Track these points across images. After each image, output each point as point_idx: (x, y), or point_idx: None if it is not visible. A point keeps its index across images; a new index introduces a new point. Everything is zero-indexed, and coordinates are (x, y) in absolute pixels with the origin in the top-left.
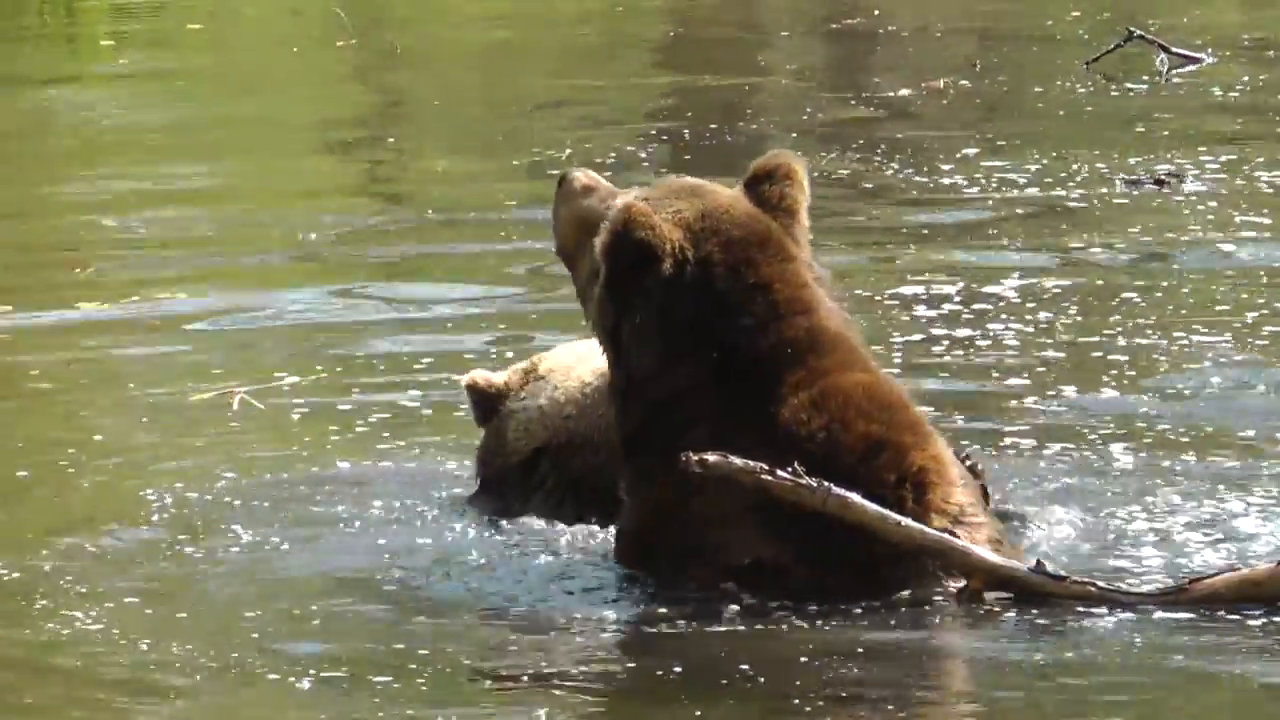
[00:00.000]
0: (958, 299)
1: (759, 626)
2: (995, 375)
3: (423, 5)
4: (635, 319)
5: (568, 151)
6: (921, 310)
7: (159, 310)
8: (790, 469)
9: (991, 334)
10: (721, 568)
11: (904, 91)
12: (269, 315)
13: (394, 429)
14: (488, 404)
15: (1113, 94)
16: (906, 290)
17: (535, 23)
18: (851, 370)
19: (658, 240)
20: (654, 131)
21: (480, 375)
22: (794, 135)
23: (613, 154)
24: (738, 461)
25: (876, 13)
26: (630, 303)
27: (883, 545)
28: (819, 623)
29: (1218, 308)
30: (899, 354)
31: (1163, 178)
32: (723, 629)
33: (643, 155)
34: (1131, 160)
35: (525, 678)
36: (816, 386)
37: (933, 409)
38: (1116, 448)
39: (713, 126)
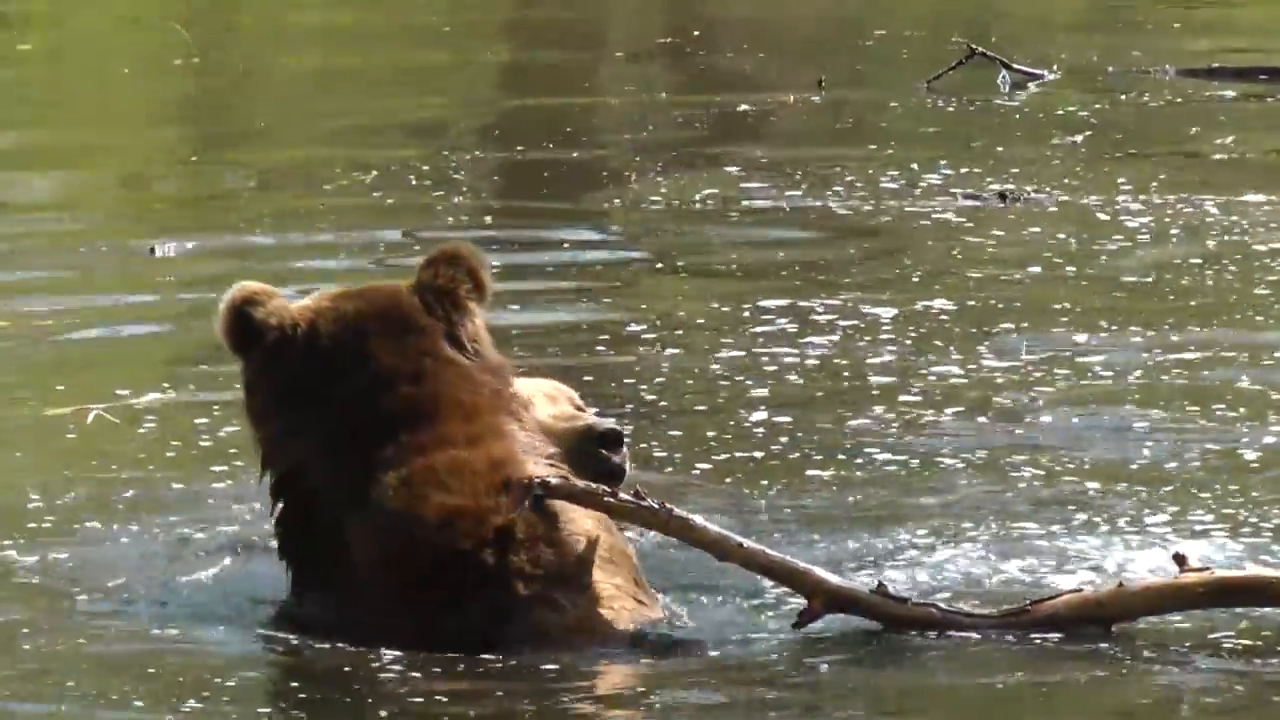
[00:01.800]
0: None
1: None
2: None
3: (266, 20)
4: (257, 395)
5: (374, 173)
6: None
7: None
8: (633, 491)
9: (828, 350)
10: None
11: (745, 108)
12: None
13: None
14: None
15: (955, 110)
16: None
17: (376, 42)
18: (444, 445)
19: (263, 314)
20: (486, 154)
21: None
22: (637, 157)
23: (437, 181)
24: (580, 484)
25: (717, 30)
26: (252, 381)
27: None
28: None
29: (1061, 318)
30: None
31: (1005, 193)
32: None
33: (465, 177)
34: (975, 175)
35: None
36: (407, 462)
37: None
38: (962, 470)
39: (549, 145)
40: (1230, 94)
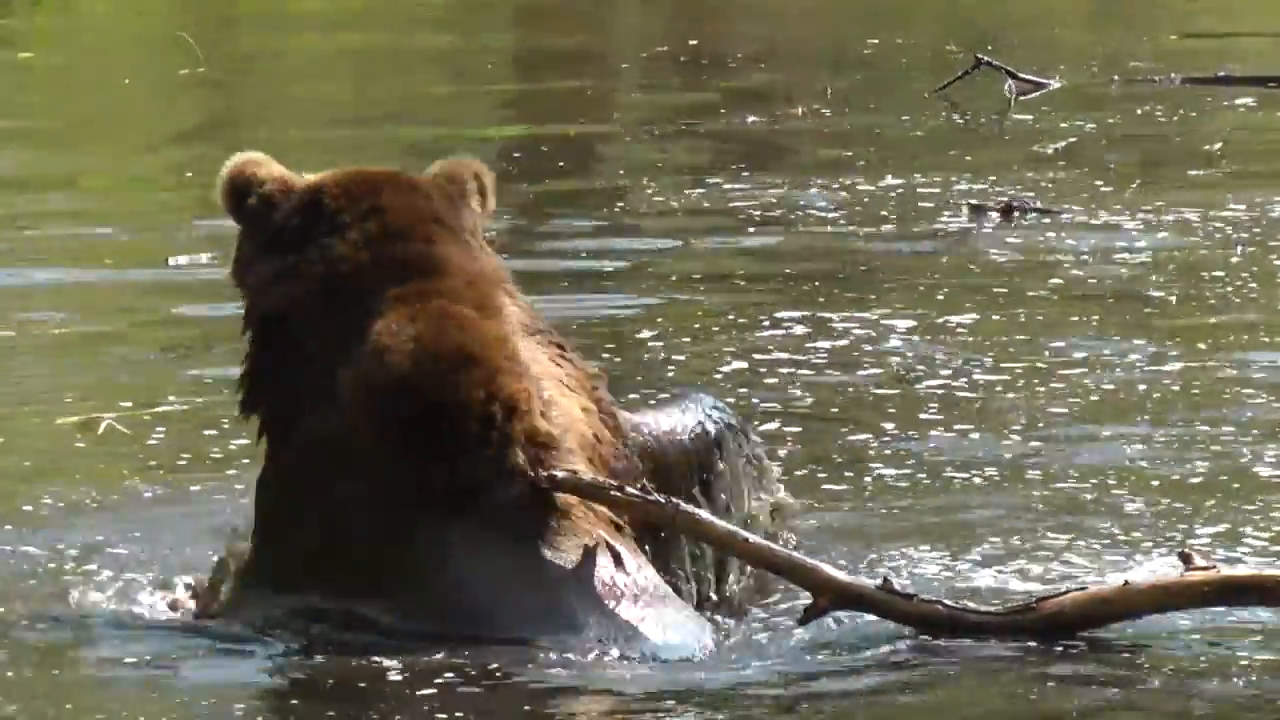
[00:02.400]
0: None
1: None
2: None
3: (273, 34)
4: (247, 244)
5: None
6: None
7: None
8: (640, 485)
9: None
10: None
11: (752, 119)
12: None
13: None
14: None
15: (961, 120)
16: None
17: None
18: (461, 301)
19: (263, 172)
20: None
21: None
22: (643, 164)
23: None
24: (587, 477)
25: (722, 40)
26: (244, 231)
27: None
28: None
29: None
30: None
31: (1011, 203)
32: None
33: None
34: (979, 186)
35: None
36: (418, 302)
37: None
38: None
39: (562, 165)
40: (1238, 101)
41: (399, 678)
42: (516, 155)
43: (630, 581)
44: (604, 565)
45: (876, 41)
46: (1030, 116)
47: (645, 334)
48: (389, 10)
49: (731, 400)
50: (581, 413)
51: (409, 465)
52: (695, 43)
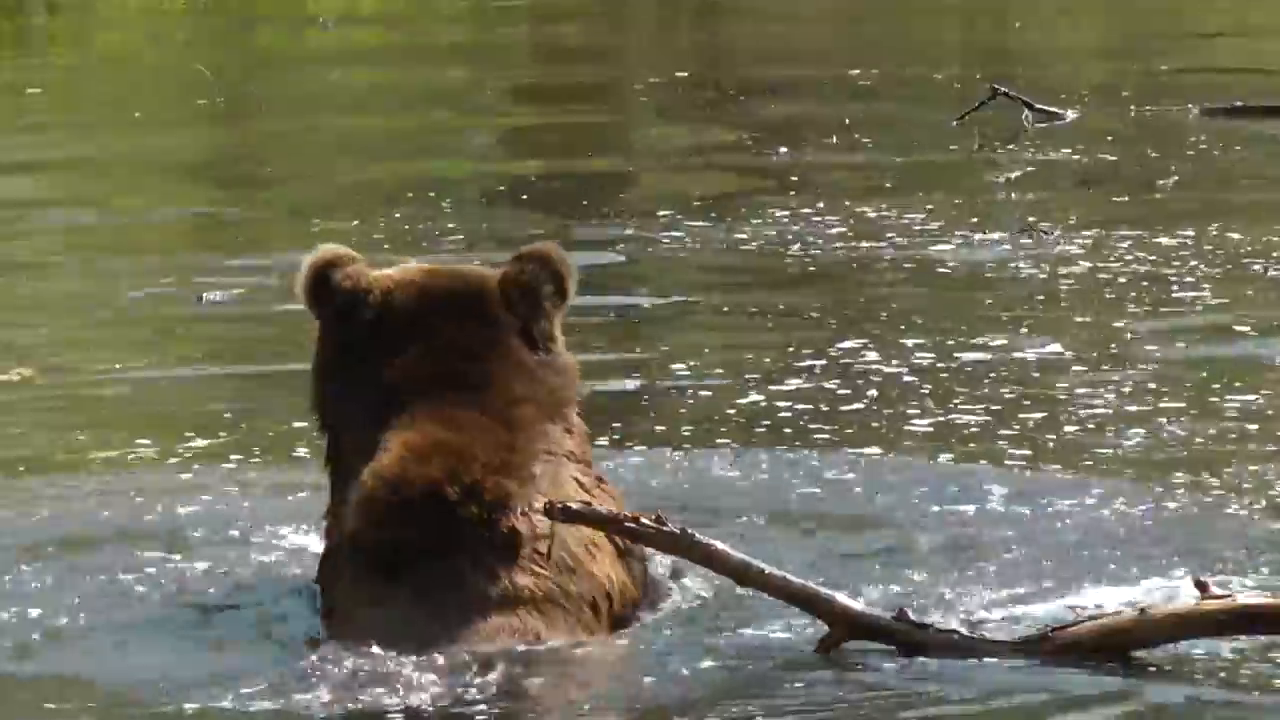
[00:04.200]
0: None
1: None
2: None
3: (291, 77)
4: (321, 353)
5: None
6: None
7: None
8: (654, 516)
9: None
10: None
11: (775, 150)
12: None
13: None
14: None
15: (980, 150)
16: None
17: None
18: (490, 414)
19: (340, 275)
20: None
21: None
22: (661, 194)
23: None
24: (602, 509)
25: (740, 69)
26: (321, 338)
27: None
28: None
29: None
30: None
31: (1030, 229)
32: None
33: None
34: (997, 215)
35: None
36: (431, 414)
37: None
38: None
39: (584, 204)
40: (1256, 131)
41: None
42: (531, 185)
43: (540, 658)
44: (520, 647)
45: (892, 72)
46: (1047, 145)
47: (669, 367)
48: (405, 44)
49: (745, 428)
50: (588, 543)
51: (357, 530)
52: (713, 74)
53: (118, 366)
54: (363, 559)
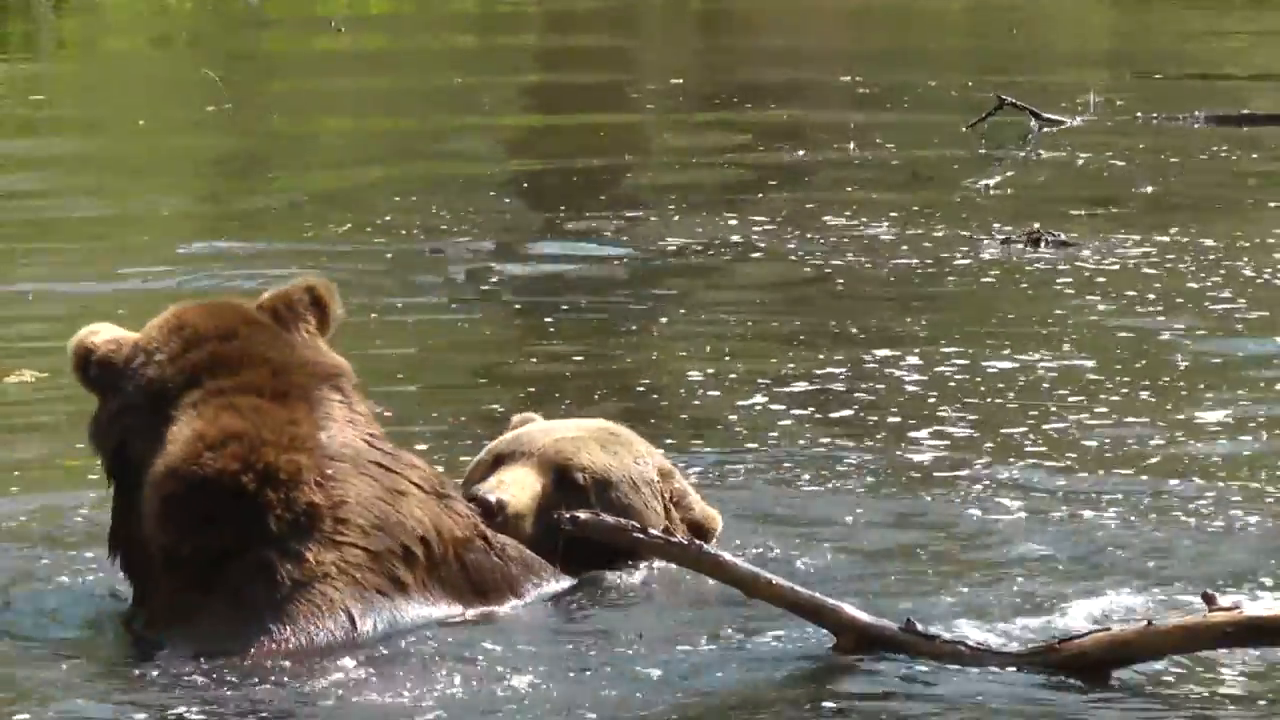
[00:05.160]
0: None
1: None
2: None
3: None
4: (99, 410)
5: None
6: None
7: None
8: (663, 528)
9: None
10: None
11: (782, 156)
12: None
13: None
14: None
15: (986, 158)
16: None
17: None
18: (256, 392)
19: (97, 339)
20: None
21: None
22: (669, 202)
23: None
24: (610, 520)
25: (750, 75)
26: (89, 389)
27: None
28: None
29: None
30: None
31: (1036, 234)
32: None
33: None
34: (1003, 222)
35: None
36: (209, 401)
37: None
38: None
39: (585, 203)
40: (1261, 139)
41: None
42: (533, 186)
43: (355, 640)
44: (333, 629)
45: (896, 78)
46: (1052, 153)
47: (667, 378)
48: (414, 48)
49: (747, 421)
50: (390, 494)
51: (165, 542)
52: (721, 79)
53: None
54: (179, 571)
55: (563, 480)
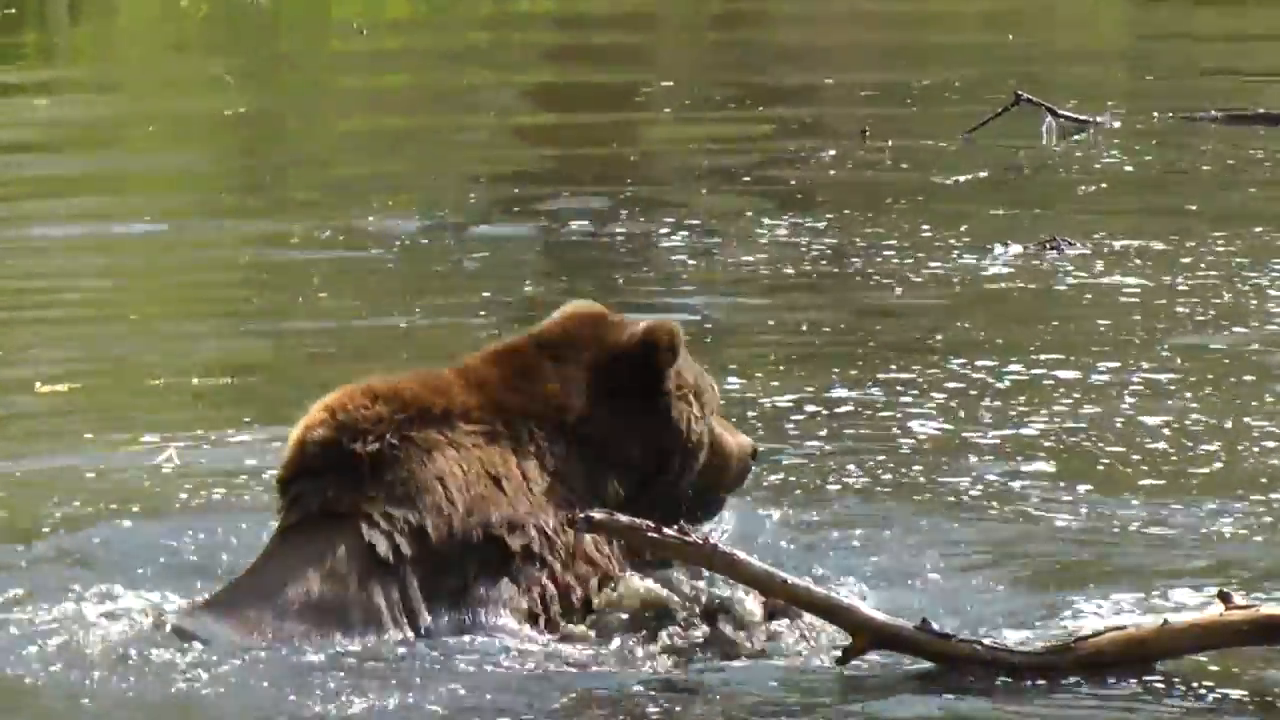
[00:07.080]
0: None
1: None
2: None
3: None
4: None
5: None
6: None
7: None
8: (676, 527)
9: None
10: None
11: (791, 155)
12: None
13: None
14: None
15: (1001, 159)
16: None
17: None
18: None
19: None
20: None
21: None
22: (681, 207)
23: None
24: (624, 519)
25: (761, 79)
26: None
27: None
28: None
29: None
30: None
31: (1051, 241)
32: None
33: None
34: (1020, 224)
35: None
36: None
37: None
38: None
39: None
40: (1276, 138)
41: None
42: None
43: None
44: (311, 581)
45: (911, 77)
46: (1070, 152)
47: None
48: (431, 46)
49: (776, 436)
50: (485, 476)
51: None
52: (737, 80)
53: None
54: None
55: None
